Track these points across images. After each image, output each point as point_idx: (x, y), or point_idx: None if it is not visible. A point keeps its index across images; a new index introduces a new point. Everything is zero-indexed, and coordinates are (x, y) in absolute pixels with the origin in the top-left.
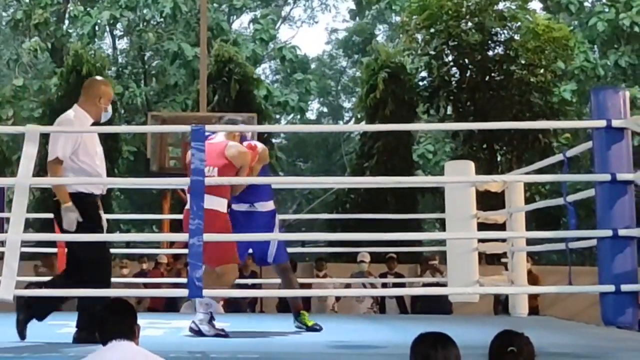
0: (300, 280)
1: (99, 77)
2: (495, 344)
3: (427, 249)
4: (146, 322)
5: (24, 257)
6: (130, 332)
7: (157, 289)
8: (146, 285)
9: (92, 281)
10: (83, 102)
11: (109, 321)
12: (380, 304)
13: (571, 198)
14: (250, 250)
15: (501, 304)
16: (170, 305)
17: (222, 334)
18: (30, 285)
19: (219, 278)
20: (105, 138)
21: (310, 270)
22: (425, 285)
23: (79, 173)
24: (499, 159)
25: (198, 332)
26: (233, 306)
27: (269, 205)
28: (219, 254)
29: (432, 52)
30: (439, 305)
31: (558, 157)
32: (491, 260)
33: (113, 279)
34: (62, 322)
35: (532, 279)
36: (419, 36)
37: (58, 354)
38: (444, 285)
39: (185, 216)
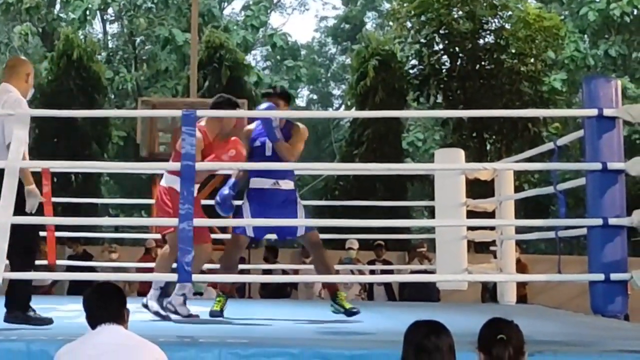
0: (288, 267)
1: (20, 58)
2: (484, 332)
3: (415, 236)
4: (135, 307)
5: None
6: (119, 316)
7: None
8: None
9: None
10: (12, 80)
11: (97, 305)
12: (368, 291)
13: (561, 187)
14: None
15: (489, 292)
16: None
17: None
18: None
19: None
20: (95, 122)
21: (297, 257)
22: (413, 272)
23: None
24: (488, 147)
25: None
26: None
27: (291, 184)
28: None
29: (423, 40)
30: (427, 293)
31: (548, 146)
32: (480, 249)
33: (103, 264)
34: (50, 306)
35: (521, 268)
36: (410, 24)
37: (46, 337)
38: (432, 272)
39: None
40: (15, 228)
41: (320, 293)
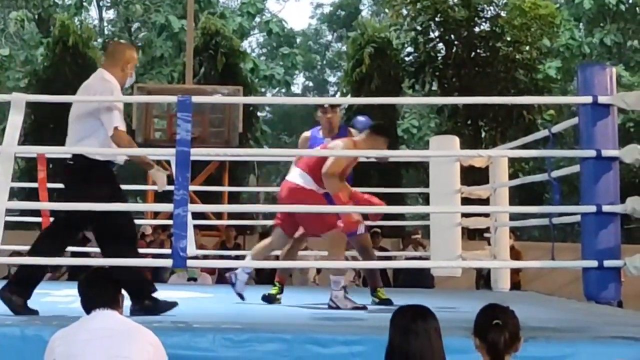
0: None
1: (123, 41)
2: (480, 317)
3: (410, 223)
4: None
5: (8, 226)
6: (113, 302)
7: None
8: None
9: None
10: (109, 67)
11: (92, 290)
12: (363, 277)
13: (555, 174)
14: None
15: (483, 279)
16: (155, 276)
17: (360, 307)
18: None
19: (334, 248)
20: None
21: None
22: (407, 259)
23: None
24: (483, 135)
25: (337, 308)
26: (218, 278)
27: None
28: (320, 223)
29: (418, 28)
30: (421, 279)
31: (543, 133)
32: (473, 236)
33: (97, 249)
34: (45, 291)
35: (515, 255)
36: (405, 11)
37: (40, 322)
38: (426, 259)
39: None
40: (104, 216)
41: (314, 279)
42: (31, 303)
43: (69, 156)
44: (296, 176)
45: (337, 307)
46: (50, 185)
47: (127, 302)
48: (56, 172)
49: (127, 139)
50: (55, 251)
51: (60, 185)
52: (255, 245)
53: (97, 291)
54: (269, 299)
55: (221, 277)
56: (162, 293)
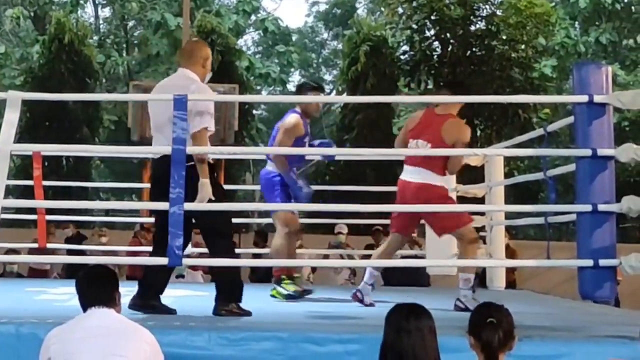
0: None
1: (199, 40)
2: (474, 316)
3: None
4: (125, 291)
5: (4, 224)
6: (110, 300)
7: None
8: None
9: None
10: (190, 65)
11: (88, 288)
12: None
13: (551, 173)
14: None
15: (478, 277)
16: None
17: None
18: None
19: (469, 244)
20: (86, 106)
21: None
22: (403, 257)
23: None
24: (478, 133)
25: (465, 309)
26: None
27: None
28: (455, 220)
29: (414, 26)
30: (417, 278)
31: (538, 132)
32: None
33: (92, 247)
34: (40, 289)
35: (510, 253)
36: (401, 10)
37: (35, 320)
38: (422, 257)
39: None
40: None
41: (309, 277)
42: (26, 301)
43: None
44: (414, 174)
45: (466, 309)
46: (45, 182)
47: (124, 300)
48: (52, 170)
49: (205, 138)
50: None
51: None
52: (374, 252)
53: (94, 289)
54: (294, 297)
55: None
56: None
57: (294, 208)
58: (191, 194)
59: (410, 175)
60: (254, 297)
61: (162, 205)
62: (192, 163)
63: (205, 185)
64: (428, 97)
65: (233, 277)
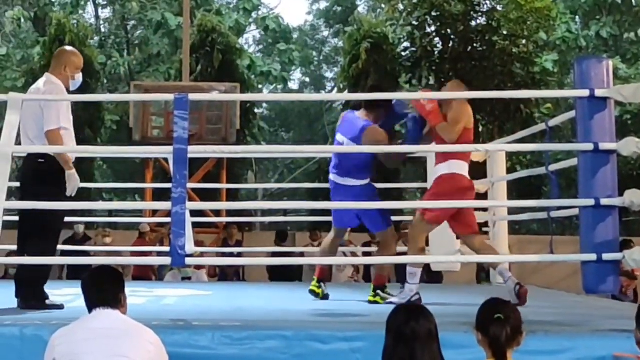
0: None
1: (68, 47)
2: (482, 312)
3: (408, 218)
4: (130, 291)
5: (6, 225)
6: (115, 301)
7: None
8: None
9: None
10: (53, 70)
11: (94, 289)
12: (365, 273)
13: (553, 168)
14: None
15: (484, 272)
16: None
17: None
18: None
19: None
20: (88, 107)
21: (305, 240)
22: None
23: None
24: (480, 129)
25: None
26: (220, 275)
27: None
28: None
29: (415, 23)
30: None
31: (540, 127)
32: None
33: (97, 248)
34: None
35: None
36: (402, 6)
37: (39, 322)
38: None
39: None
40: (32, 214)
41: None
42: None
43: None
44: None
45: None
46: None
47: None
48: None
49: (55, 137)
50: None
51: None
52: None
53: (99, 290)
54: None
55: (223, 274)
56: (159, 291)
57: (295, 207)
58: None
59: None
60: (259, 296)
61: (164, 205)
62: (43, 160)
63: (72, 175)
64: (429, 94)
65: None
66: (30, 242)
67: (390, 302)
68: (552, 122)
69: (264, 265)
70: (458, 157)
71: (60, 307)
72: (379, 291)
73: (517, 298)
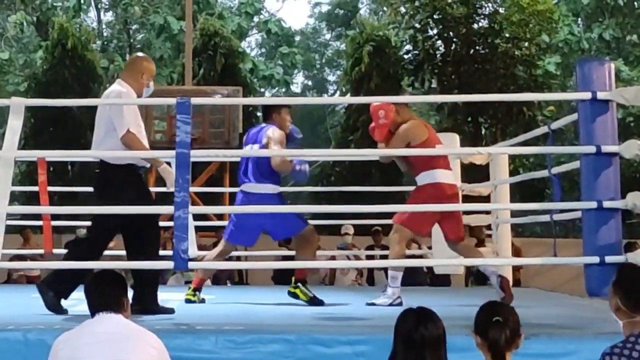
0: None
1: (141, 54)
2: (480, 315)
3: None
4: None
5: (9, 230)
6: (118, 305)
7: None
8: None
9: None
10: (126, 77)
11: (97, 293)
12: (368, 277)
13: (555, 170)
14: None
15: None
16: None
17: None
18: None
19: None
20: (90, 111)
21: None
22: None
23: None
24: (483, 132)
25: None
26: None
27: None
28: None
29: (417, 26)
30: (414, 277)
31: (542, 130)
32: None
33: None
34: None
35: (515, 252)
36: (404, 9)
37: (43, 326)
38: (419, 257)
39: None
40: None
41: (324, 279)
42: (33, 307)
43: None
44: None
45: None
46: (50, 188)
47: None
48: (57, 176)
49: (130, 140)
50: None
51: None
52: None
53: (102, 294)
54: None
55: (216, 278)
56: (162, 295)
57: (297, 210)
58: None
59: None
60: (261, 299)
61: (167, 209)
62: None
63: (165, 169)
64: (432, 97)
65: (153, 280)
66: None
67: (373, 304)
68: (555, 125)
69: (267, 269)
70: (433, 166)
71: (170, 311)
72: (299, 284)
73: (502, 291)
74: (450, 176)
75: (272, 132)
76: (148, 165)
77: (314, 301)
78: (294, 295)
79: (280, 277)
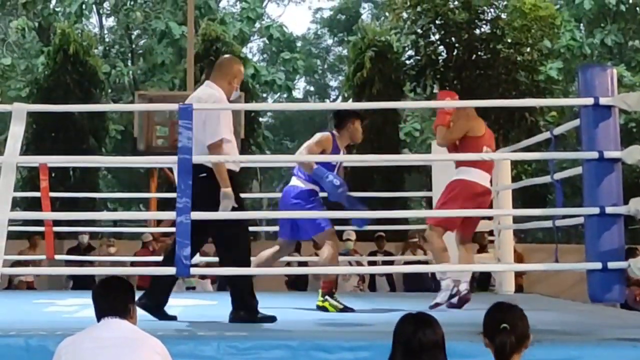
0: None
1: (231, 56)
2: (488, 319)
3: (413, 227)
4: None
5: (10, 236)
6: (124, 311)
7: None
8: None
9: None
10: (217, 80)
11: (103, 298)
12: (370, 283)
13: (558, 176)
14: None
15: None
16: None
17: None
18: None
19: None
20: (92, 116)
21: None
22: (407, 263)
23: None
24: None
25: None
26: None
27: None
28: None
29: (419, 31)
30: (421, 283)
31: (545, 136)
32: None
33: (102, 258)
34: (49, 301)
35: (517, 257)
36: (406, 15)
37: (44, 332)
38: (425, 262)
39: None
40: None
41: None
42: (34, 313)
43: None
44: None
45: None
46: (52, 194)
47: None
48: (59, 181)
49: (218, 149)
50: None
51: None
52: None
53: (109, 299)
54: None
55: (222, 284)
56: None
57: (300, 216)
58: (206, 204)
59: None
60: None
61: (169, 215)
62: (205, 174)
63: (226, 194)
64: (434, 103)
65: (243, 285)
66: (222, 254)
67: (437, 304)
68: (557, 131)
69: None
70: (468, 164)
71: (272, 319)
72: (327, 297)
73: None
74: (486, 179)
75: (317, 136)
76: (237, 169)
77: (344, 311)
78: (322, 308)
79: (294, 283)
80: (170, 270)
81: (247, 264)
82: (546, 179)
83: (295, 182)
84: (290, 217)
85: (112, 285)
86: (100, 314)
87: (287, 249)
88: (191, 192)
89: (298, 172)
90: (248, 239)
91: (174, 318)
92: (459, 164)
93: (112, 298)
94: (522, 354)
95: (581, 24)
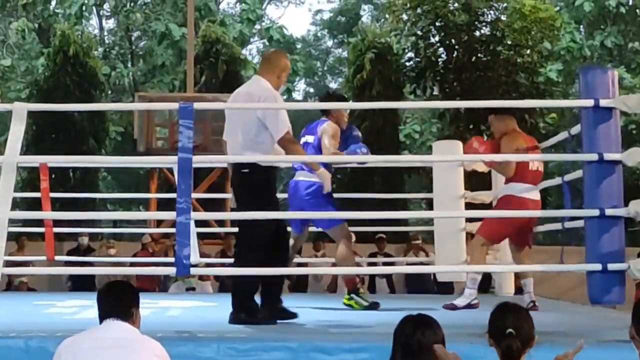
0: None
1: (277, 49)
2: (494, 321)
3: (414, 228)
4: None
5: (10, 236)
6: (126, 314)
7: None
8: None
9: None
10: (266, 74)
11: (106, 300)
12: (370, 284)
13: (558, 179)
14: None
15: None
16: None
17: None
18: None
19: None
20: (92, 117)
21: (309, 251)
22: (409, 264)
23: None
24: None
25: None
26: (220, 287)
27: None
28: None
29: (419, 33)
30: (422, 285)
31: (549, 142)
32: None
33: (101, 259)
34: (49, 302)
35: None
36: (405, 16)
37: (44, 334)
38: (426, 264)
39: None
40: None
41: (328, 287)
42: (33, 314)
43: None
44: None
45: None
46: (52, 194)
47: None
48: (59, 182)
49: (290, 143)
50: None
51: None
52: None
53: (111, 302)
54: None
55: (223, 285)
56: (164, 303)
57: (299, 217)
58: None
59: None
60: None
61: (169, 215)
62: (247, 170)
63: (323, 174)
64: (434, 103)
65: (245, 286)
66: (238, 253)
67: (452, 304)
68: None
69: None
70: (521, 179)
71: (272, 322)
72: (353, 295)
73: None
74: (535, 193)
75: (327, 126)
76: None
77: (371, 308)
78: (349, 306)
79: (297, 286)
80: (170, 271)
81: (260, 265)
82: (547, 183)
83: (304, 176)
84: (306, 217)
85: (117, 288)
86: (103, 315)
87: (299, 240)
88: (190, 191)
89: (303, 166)
90: (278, 241)
91: (294, 315)
92: (510, 179)
93: (116, 301)
94: (528, 352)
95: (581, 26)
